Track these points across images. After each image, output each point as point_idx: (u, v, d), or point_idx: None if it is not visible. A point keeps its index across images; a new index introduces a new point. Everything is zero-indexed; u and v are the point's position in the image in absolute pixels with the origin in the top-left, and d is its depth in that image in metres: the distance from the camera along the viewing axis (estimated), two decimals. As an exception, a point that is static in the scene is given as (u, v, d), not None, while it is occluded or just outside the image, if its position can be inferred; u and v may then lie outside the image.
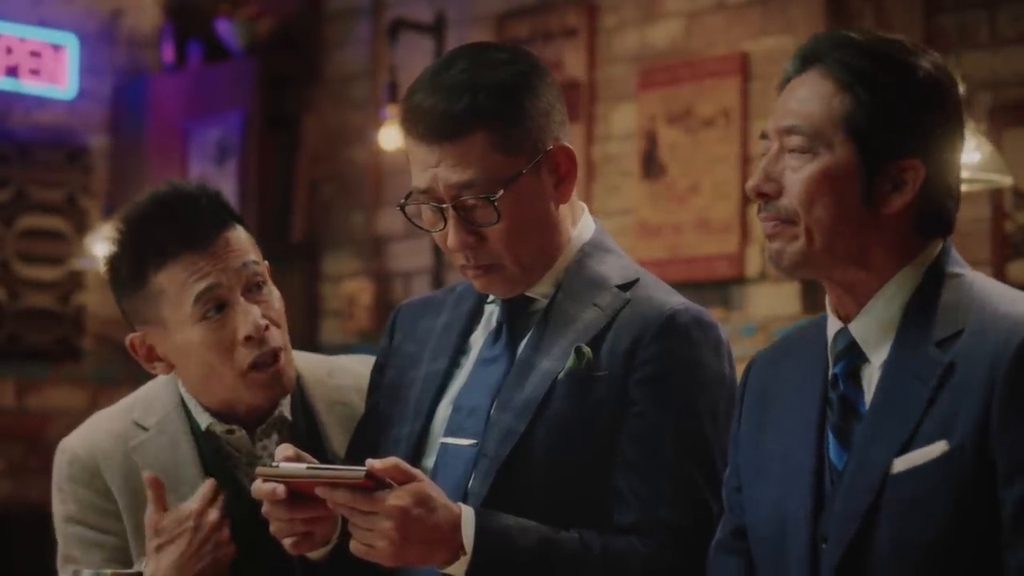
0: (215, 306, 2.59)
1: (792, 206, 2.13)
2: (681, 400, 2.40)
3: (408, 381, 2.57)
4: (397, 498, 2.25)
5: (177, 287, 2.59)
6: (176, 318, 2.60)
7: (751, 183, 2.17)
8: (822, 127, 2.12)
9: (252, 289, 2.63)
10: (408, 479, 2.27)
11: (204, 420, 2.68)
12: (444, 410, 2.50)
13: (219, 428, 2.68)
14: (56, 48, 7.31)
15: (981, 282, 2.13)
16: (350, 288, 6.90)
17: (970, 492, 2.00)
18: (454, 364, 2.54)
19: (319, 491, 2.27)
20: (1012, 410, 1.98)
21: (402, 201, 2.49)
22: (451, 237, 2.43)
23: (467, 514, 2.31)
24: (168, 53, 7.46)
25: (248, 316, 2.59)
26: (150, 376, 2.77)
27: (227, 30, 7.11)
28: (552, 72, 2.51)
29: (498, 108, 2.40)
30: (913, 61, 2.13)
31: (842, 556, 2.07)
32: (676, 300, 2.47)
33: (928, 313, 2.09)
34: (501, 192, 2.39)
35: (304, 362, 2.77)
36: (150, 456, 2.67)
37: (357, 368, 2.79)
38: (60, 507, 2.69)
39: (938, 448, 2.02)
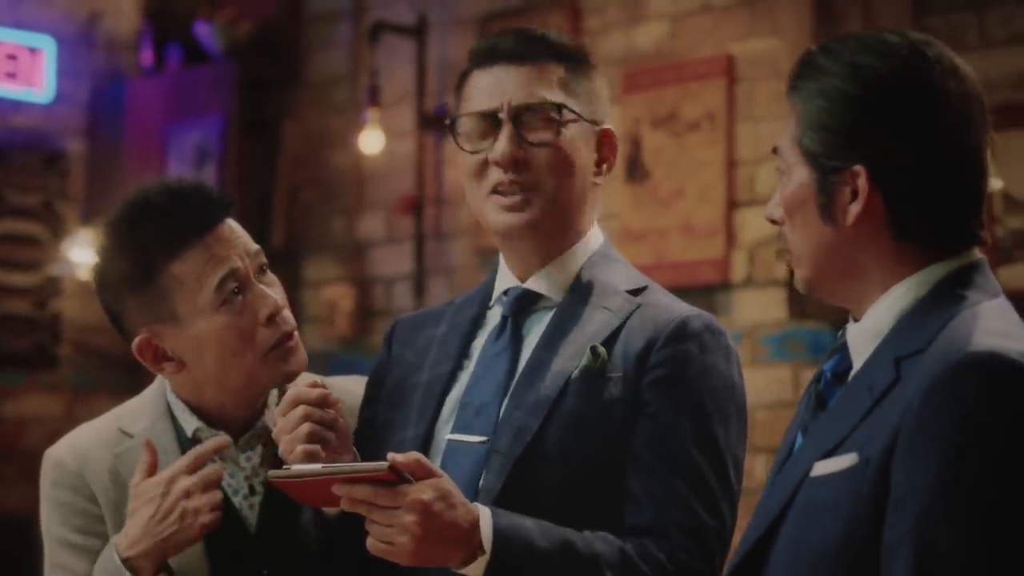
0: (236, 290, 2.58)
1: (785, 232, 2.14)
2: (694, 403, 2.43)
3: (410, 386, 2.58)
4: (420, 492, 2.24)
5: (195, 276, 2.58)
6: (192, 309, 2.58)
7: (765, 211, 2.19)
8: (787, 148, 2.12)
9: (260, 272, 2.64)
10: (429, 475, 2.27)
11: (191, 426, 2.66)
12: (449, 410, 2.52)
13: (205, 435, 2.66)
14: (33, 51, 7.26)
15: (983, 311, 2.02)
16: (331, 294, 6.85)
17: (865, 511, 1.94)
18: (458, 367, 2.56)
19: (337, 489, 2.25)
20: (913, 442, 1.91)
21: (448, 120, 2.59)
22: (502, 146, 2.50)
23: (485, 514, 2.30)
24: (146, 56, 7.42)
25: (266, 297, 2.61)
26: (126, 383, 2.72)
27: (206, 33, 7.06)
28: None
29: (570, 54, 2.56)
30: (855, 60, 2.06)
31: (744, 554, 2.07)
32: (686, 307, 2.52)
33: (910, 330, 2.03)
34: (566, 111, 2.52)
35: None
36: (135, 463, 2.63)
37: (349, 386, 2.78)
38: (46, 513, 2.67)
39: (849, 459, 1.98)
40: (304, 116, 7.07)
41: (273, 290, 2.63)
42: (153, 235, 2.59)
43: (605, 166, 2.59)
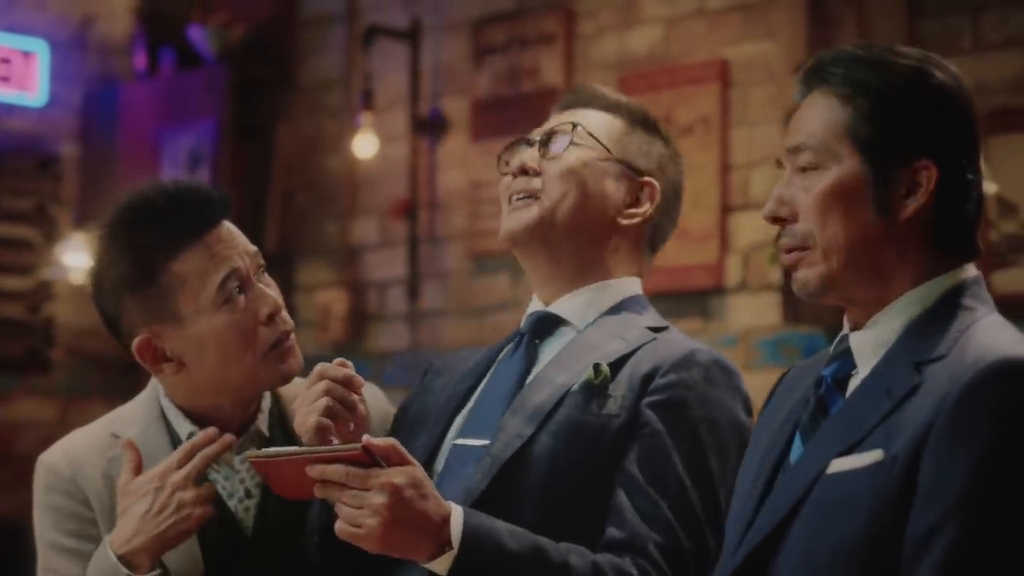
0: (237, 288, 2.59)
1: (807, 228, 2.12)
2: (691, 429, 2.44)
3: (432, 404, 2.63)
4: (391, 475, 2.25)
5: (197, 274, 2.58)
6: (193, 308, 2.58)
7: (765, 210, 2.17)
8: (828, 140, 2.11)
9: (259, 272, 2.66)
10: (403, 462, 2.28)
11: (185, 429, 2.66)
12: (461, 422, 2.56)
13: None
14: (26, 55, 7.25)
15: (990, 321, 2.08)
16: (324, 298, 6.84)
17: (889, 506, 1.96)
18: (476, 386, 2.62)
19: (311, 470, 2.26)
20: (946, 439, 1.94)
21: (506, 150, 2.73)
22: (518, 155, 2.66)
23: (457, 511, 2.30)
24: (140, 60, 7.41)
25: (266, 296, 2.62)
26: (119, 388, 2.72)
27: (199, 37, 7.05)
28: (681, 161, 2.81)
29: (624, 109, 2.70)
30: (918, 68, 2.12)
31: (751, 551, 2.07)
32: (702, 345, 2.55)
33: (923, 337, 2.06)
34: (582, 130, 2.63)
35: None
36: None
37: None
38: (39, 518, 2.67)
39: (873, 456, 1.99)
40: (297, 120, 7.06)
41: (271, 290, 2.64)
42: (152, 236, 2.59)
43: (633, 210, 2.65)
